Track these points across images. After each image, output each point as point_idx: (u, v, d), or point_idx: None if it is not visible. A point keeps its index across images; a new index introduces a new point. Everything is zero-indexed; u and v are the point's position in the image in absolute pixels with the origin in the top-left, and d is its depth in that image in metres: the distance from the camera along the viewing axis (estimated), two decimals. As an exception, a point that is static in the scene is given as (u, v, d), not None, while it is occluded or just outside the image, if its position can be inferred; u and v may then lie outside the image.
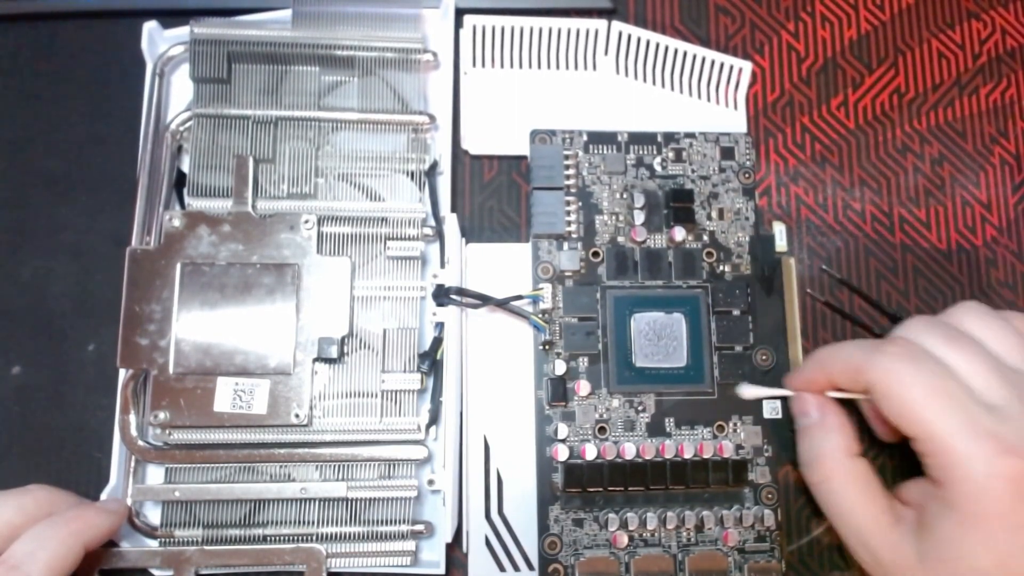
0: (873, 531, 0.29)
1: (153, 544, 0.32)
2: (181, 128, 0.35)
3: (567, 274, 0.34)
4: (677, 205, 0.35)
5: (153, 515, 0.33)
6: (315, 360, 0.32)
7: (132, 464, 0.32)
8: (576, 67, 0.38)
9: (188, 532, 0.32)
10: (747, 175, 0.36)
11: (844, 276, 0.37)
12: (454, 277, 0.33)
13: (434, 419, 0.33)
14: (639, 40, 0.37)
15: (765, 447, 0.34)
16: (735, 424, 0.34)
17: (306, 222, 0.33)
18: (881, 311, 0.37)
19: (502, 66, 0.37)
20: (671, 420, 0.33)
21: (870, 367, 0.29)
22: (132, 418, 0.32)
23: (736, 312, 0.35)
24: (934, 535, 0.27)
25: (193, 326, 0.32)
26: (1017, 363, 0.28)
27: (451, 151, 0.36)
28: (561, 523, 0.33)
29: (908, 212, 0.39)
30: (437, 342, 0.34)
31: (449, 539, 0.32)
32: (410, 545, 0.32)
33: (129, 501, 0.32)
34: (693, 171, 0.36)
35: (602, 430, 0.33)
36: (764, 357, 0.34)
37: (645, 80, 0.38)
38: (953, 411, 0.27)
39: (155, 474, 0.33)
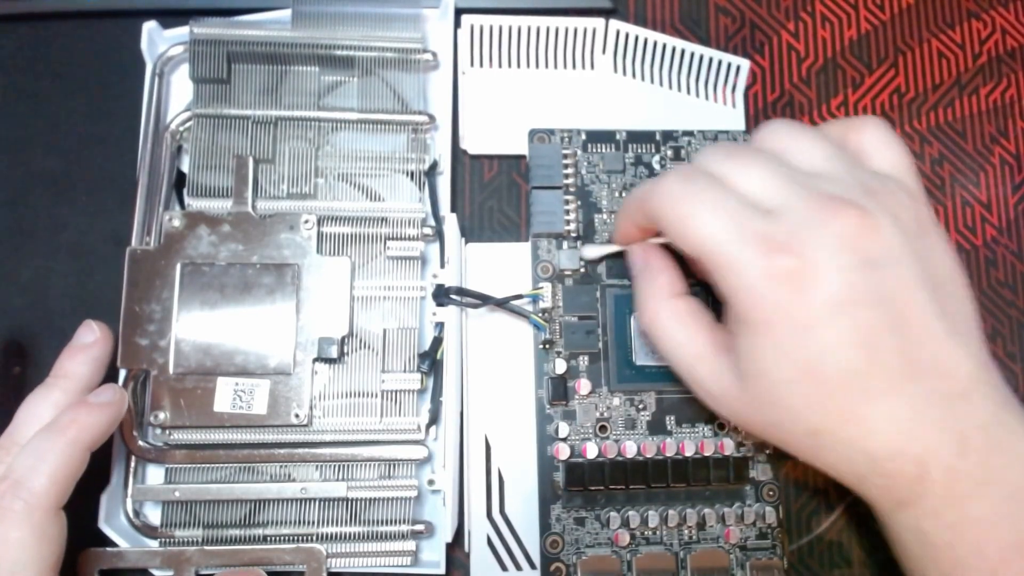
0: (698, 364, 0.28)
1: (153, 544, 0.32)
2: (181, 128, 0.35)
3: (567, 273, 0.34)
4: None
5: (153, 515, 0.32)
6: (315, 360, 0.32)
7: (132, 464, 0.32)
8: (575, 66, 0.38)
9: (188, 532, 0.32)
10: (747, 174, 0.36)
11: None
12: (454, 277, 0.33)
13: (434, 419, 0.33)
14: (637, 39, 0.37)
15: (766, 444, 0.34)
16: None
17: (306, 222, 0.33)
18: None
19: (501, 66, 0.37)
20: (672, 418, 0.33)
21: (648, 197, 0.28)
22: (132, 418, 0.32)
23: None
24: (739, 354, 0.26)
25: (193, 326, 0.32)
26: (813, 166, 0.27)
27: (451, 151, 0.36)
28: (563, 522, 0.32)
29: (908, 211, 0.39)
30: (437, 342, 0.34)
31: (449, 539, 0.32)
32: (410, 545, 0.32)
33: (129, 501, 0.32)
34: (693, 170, 0.36)
35: (603, 429, 0.33)
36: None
37: (643, 79, 0.38)
38: (720, 219, 0.25)
39: (155, 474, 0.33)
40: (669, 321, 0.29)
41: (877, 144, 0.28)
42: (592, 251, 0.34)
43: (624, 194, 0.35)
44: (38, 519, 0.26)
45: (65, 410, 0.28)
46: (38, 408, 0.28)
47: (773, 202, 0.26)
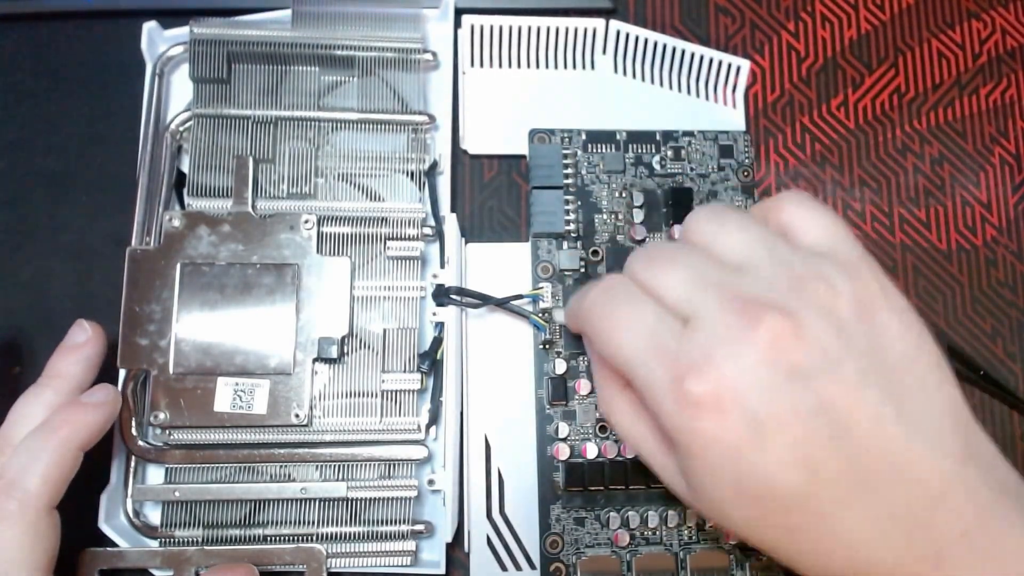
0: (652, 460, 0.26)
1: (153, 544, 0.32)
2: (181, 128, 0.35)
3: (567, 273, 0.34)
4: (676, 203, 0.35)
5: (153, 515, 0.32)
6: (315, 360, 0.32)
7: (132, 464, 0.32)
8: (575, 66, 0.38)
9: (188, 532, 0.32)
10: (746, 173, 0.36)
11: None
12: (454, 277, 0.33)
13: (434, 419, 0.33)
14: (636, 39, 0.37)
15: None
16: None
17: (306, 222, 0.33)
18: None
19: (501, 66, 0.37)
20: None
21: (576, 311, 0.27)
22: (132, 418, 0.32)
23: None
24: (680, 468, 0.24)
25: (193, 326, 0.32)
26: (735, 257, 0.24)
27: (451, 151, 0.36)
28: (563, 522, 0.32)
29: (908, 212, 0.39)
30: (437, 342, 0.34)
31: (449, 539, 0.32)
32: (410, 545, 0.32)
33: (129, 501, 0.32)
34: (692, 169, 0.36)
35: (603, 429, 0.33)
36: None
37: (643, 79, 0.38)
38: (637, 336, 0.24)
39: (155, 474, 0.33)
40: (622, 415, 0.27)
41: (801, 218, 0.25)
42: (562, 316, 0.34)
43: (624, 194, 0.35)
44: (31, 519, 0.26)
45: (58, 410, 0.28)
46: (30, 408, 0.28)
47: (688, 310, 0.23)
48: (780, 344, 0.22)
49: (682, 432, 0.22)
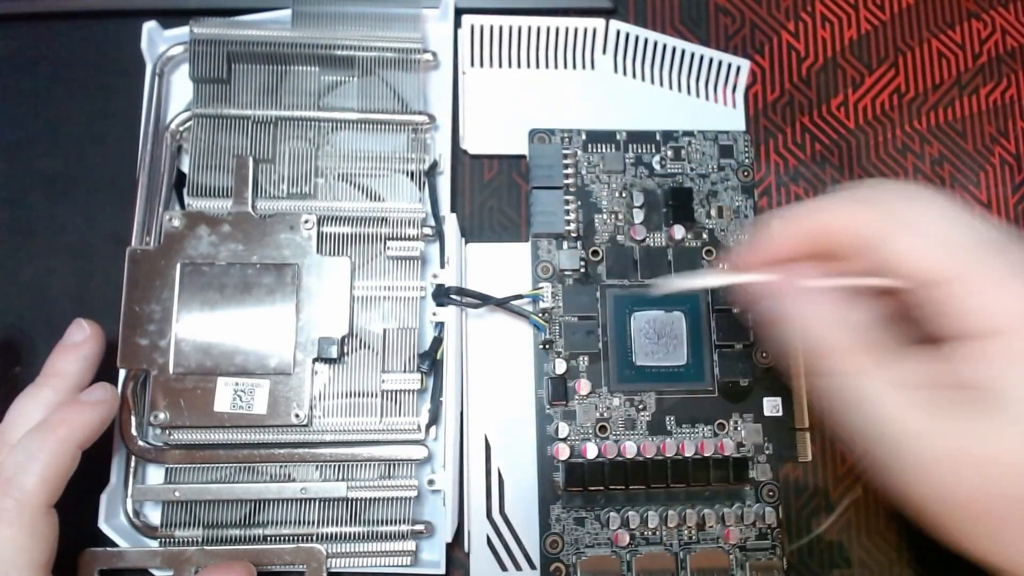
0: (901, 424, 0.22)
1: (153, 544, 0.32)
2: (181, 128, 0.35)
3: (567, 273, 0.34)
4: (676, 203, 0.35)
5: (153, 515, 0.32)
6: (315, 360, 0.32)
7: (132, 464, 0.32)
8: (575, 66, 0.38)
9: (188, 532, 0.32)
10: (746, 173, 0.36)
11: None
12: (454, 277, 0.33)
13: (434, 419, 0.33)
14: (636, 39, 0.37)
15: (766, 445, 0.34)
16: (736, 422, 0.34)
17: (306, 222, 0.33)
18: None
19: (501, 66, 0.37)
20: (672, 418, 0.33)
21: (858, 215, 0.23)
22: (132, 418, 0.32)
23: (736, 310, 0.34)
24: (994, 382, 0.21)
25: (193, 326, 0.32)
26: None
27: (451, 151, 0.36)
28: (563, 522, 0.32)
29: (908, 211, 0.39)
30: (437, 342, 0.34)
31: (449, 539, 0.32)
32: (410, 545, 0.32)
33: (129, 501, 0.32)
34: (692, 169, 0.36)
35: (603, 429, 0.33)
36: (764, 355, 0.34)
37: (643, 79, 0.38)
38: (960, 227, 0.22)
39: (155, 474, 0.33)
40: (878, 389, 0.22)
41: None
42: (677, 282, 0.29)
43: (624, 194, 0.35)
44: (29, 517, 0.26)
45: (56, 409, 0.28)
46: (28, 407, 0.28)
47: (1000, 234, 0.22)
48: None
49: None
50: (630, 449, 0.33)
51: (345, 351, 0.33)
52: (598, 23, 0.37)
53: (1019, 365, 0.20)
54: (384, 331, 0.33)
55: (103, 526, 0.31)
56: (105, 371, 0.33)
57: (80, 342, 0.30)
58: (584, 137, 0.36)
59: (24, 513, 0.26)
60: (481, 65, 0.37)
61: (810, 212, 0.25)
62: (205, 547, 0.31)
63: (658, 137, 0.36)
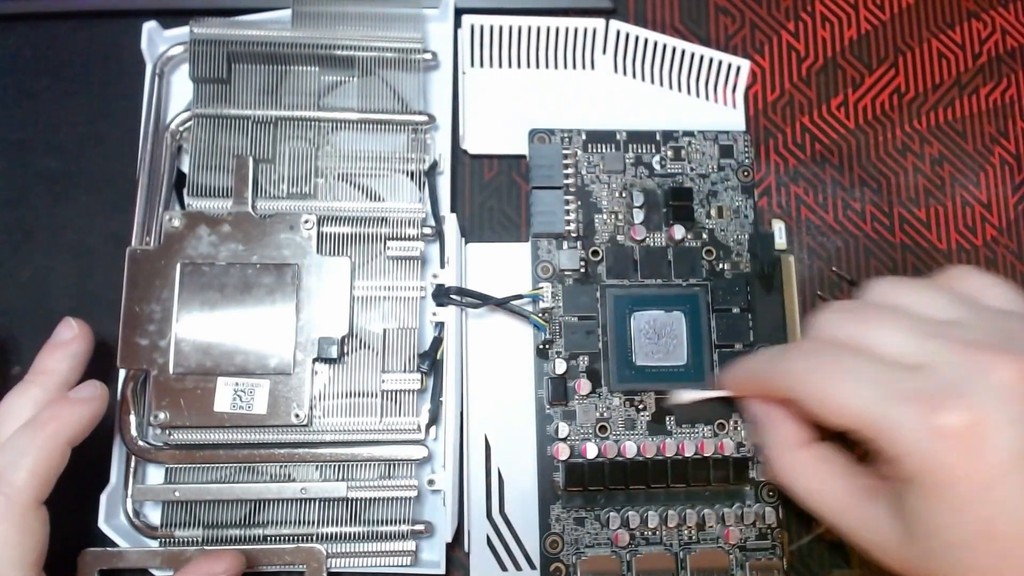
0: (844, 515, 0.27)
1: (153, 544, 0.32)
2: (181, 128, 0.35)
3: (567, 273, 0.34)
4: (676, 203, 0.35)
5: (153, 515, 0.32)
6: (315, 360, 0.32)
7: (132, 464, 0.32)
8: (575, 66, 0.38)
9: (188, 532, 0.32)
10: (746, 173, 0.36)
11: (846, 276, 0.37)
12: (454, 277, 0.33)
13: (434, 419, 0.33)
14: (636, 39, 0.37)
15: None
16: (736, 422, 0.34)
17: (306, 222, 0.33)
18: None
19: (501, 66, 0.37)
20: (672, 418, 0.33)
21: (779, 378, 0.28)
22: (132, 418, 0.32)
23: (736, 310, 0.35)
24: (907, 512, 0.24)
25: (193, 326, 0.32)
26: (943, 315, 0.26)
27: (451, 151, 0.36)
28: (562, 522, 0.32)
29: (908, 212, 0.39)
30: (437, 342, 0.34)
31: (449, 539, 0.32)
32: (410, 545, 0.32)
33: (129, 501, 0.32)
34: (692, 169, 0.36)
35: (603, 429, 0.33)
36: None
37: (643, 79, 0.38)
38: (866, 385, 0.24)
39: (155, 474, 0.33)
40: (808, 474, 0.28)
41: (983, 285, 0.27)
42: (688, 395, 0.33)
43: (624, 194, 0.35)
44: (19, 514, 0.26)
45: (45, 406, 0.28)
46: (17, 405, 0.28)
47: (917, 358, 0.24)
48: (1021, 381, 0.23)
49: (933, 470, 0.23)
50: (630, 449, 0.33)
51: (345, 351, 0.33)
52: (598, 23, 0.37)
53: (941, 518, 0.23)
54: (384, 331, 0.33)
55: (103, 526, 0.31)
56: (105, 371, 0.33)
57: (68, 340, 0.30)
58: (584, 137, 0.36)
59: (14, 509, 0.26)
60: (481, 65, 0.37)
61: (750, 370, 0.30)
62: (205, 547, 0.31)
63: (658, 137, 0.36)
